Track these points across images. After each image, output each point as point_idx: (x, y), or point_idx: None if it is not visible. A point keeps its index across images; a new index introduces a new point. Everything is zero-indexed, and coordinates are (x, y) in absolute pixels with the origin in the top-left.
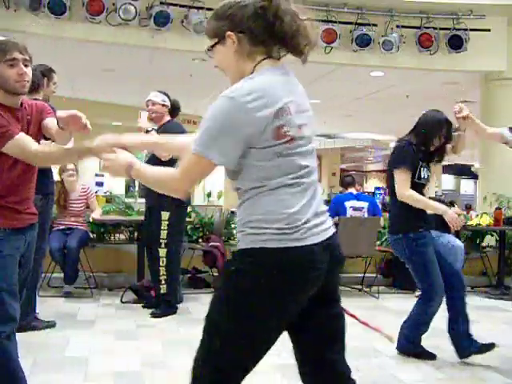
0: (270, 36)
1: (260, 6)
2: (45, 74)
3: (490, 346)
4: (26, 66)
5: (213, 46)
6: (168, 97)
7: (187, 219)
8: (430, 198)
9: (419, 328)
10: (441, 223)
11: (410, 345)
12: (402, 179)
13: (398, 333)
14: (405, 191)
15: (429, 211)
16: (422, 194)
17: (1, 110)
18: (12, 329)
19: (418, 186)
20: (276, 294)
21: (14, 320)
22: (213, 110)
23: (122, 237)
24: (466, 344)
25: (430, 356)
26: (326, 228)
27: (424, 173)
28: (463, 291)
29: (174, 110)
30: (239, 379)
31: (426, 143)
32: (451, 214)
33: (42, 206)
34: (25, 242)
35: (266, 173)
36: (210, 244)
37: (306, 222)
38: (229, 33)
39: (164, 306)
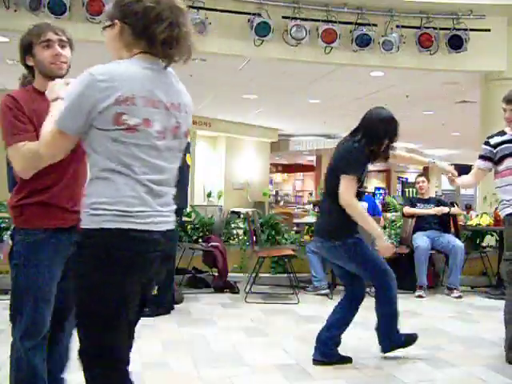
0: (149, 34)
1: (147, 5)
2: None
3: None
4: (62, 47)
5: (105, 28)
6: None
7: (187, 219)
8: (430, 197)
9: (395, 318)
10: (441, 223)
11: (387, 341)
12: (350, 186)
13: (377, 336)
14: (351, 200)
15: (427, 211)
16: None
17: (32, 101)
18: (37, 342)
19: (358, 194)
20: (118, 272)
21: (42, 332)
22: (74, 82)
23: None
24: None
25: (413, 337)
26: (165, 221)
27: (364, 179)
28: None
29: None
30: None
31: (378, 144)
32: (383, 243)
33: None
34: (70, 245)
35: (103, 155)
36: (210, 244)
37: (143, 211)
38: (116, 21)
39: (154, 306)
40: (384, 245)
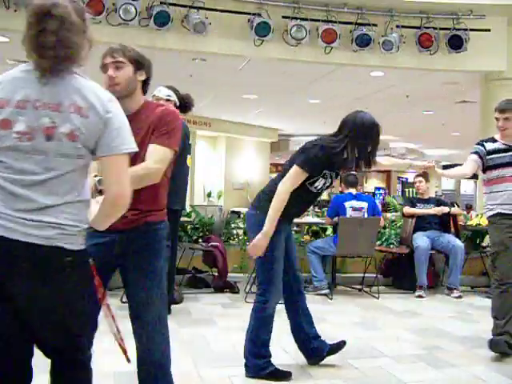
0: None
1: (27, 13)
2: None
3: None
4: (117, 68)
5: None
6: (176, 92)
7: (187, 219)
8: (430, 197)
9: (266, 332)
10: (441, 223)
11: (260, 361)
12: (295, 177)
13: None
14: (286, 188)
15: (427, 211)
16: (307, 200)
17: None
18: None
19: (306, 191)
20: None
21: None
22: None
23: None
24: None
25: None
26: (19, 231)
27: (320, 183)
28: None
29: (184, 106)
30: None
31: (358, 151)
32: (261, 241)
33: None
34: (112, 246)
35: None
36: (210, 244)
37: None
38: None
39: None
40: (259, 243)
